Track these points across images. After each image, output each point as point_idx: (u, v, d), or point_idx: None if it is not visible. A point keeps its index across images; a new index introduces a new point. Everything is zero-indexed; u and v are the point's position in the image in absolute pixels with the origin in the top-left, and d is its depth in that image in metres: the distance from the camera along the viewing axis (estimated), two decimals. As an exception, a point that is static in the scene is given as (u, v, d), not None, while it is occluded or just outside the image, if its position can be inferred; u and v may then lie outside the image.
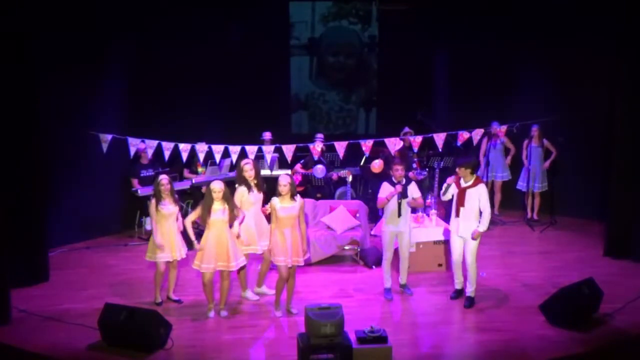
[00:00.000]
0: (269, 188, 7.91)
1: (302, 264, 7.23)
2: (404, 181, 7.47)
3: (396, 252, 7.78)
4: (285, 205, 7.05)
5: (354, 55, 13.02)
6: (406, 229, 7.60)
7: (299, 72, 13.00)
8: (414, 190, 7.58)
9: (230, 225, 7.17)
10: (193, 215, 7.21)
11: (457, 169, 7.41)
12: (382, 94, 13.24)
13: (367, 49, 13.01)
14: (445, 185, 7.51)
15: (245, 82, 12.22)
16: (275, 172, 10.19)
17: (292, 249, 7.06)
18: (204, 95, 11.46)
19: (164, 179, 7.48)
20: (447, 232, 8.23)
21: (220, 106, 11.75)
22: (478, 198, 7.28)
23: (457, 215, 7.36)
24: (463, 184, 7.35)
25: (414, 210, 8.73)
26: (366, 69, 13.12)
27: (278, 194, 7.09)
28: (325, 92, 13.18)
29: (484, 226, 7.27)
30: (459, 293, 7.64)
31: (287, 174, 7.29)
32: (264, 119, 11.77)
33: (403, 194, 7.44)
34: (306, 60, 12.96)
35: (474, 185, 7.31)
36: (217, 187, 7.09)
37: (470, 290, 7.49)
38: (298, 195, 7.20)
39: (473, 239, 7.29)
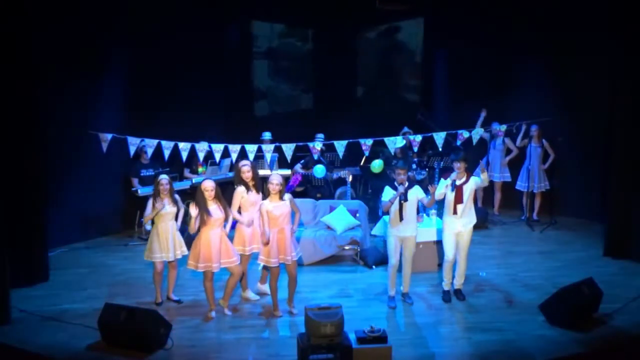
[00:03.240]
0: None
1: (293, 260, 7.21)
2: (406, 184, 7.35)
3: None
4: (276, 204, 7.06)
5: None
6: (412, 233, 7.43)
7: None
8: (418, 192, 7.46)
9: (225, 223, 7.19)
10: (193, 223, 7.08)
11: (455, 164, 7.48)
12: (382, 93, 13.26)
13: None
14: (447, 186, 7.48)
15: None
16: (276, 172, 10.17)
17: (288, 246, 7.08)
18: (204, 94, 11.45)
19: (163, 179, 7.48)
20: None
21: (220, 106, 11.74)
22: (473, 188, 7.49)
23: (455, 212, 7.42)
24: (458, 182, 7.44)
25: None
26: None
27: (268, 193, 7.10)
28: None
29: (484, 178, 7.56)
30: (449, 295, 7.67)
31: (279, 174, 7.30)
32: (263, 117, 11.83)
33: (404, 197, 7.30)
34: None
35: (467, 179, 7.47)
36: (209, 185, 7.08)
37: (459, 283, 7.71)
38: (286, 194, 7.22)
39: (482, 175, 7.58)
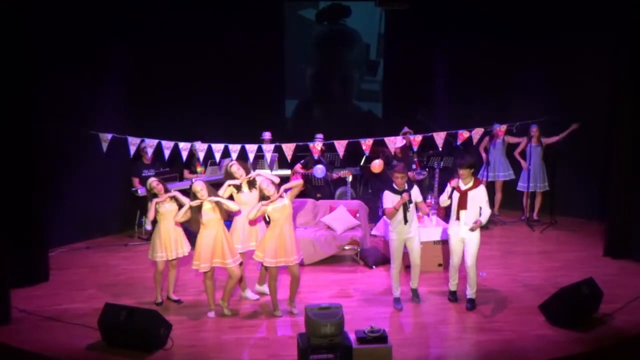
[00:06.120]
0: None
1: (298, 261, 7.21)
2: (406, 187, 7.22)
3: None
4: (275, 206, 7.06)
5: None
6: (415, 233, 7.36)
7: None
8: (416, 195, 7.33)
9: (225, 219, 7.18)
10: (181, 216, 7.15)
11: (459, 171, 7.25)
12: (382, 92, 13.25)
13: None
14: (447, 192, 7.35)
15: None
16: (275, 172, 10.18)
17: (289, 248, 7.06)
18: (204, 94, 11.45)
19: (153, 181, 7.52)
20: (445, 233, 8.21)
21: (220, 106, 11.75)
22: (479, 200, 7.19)
23: (458, 218, 7.26)
24: (463, 187, 7.21)
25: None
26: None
27: (265, 197, 7.09)
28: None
29: (485, 218, 7.22)
30: (455, 295, 7.62)
31: (264, 177, 7.25)
32: (263, 117, 11.83)
33: (410, 201, 7.20)
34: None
35: (475, 186, 7.21)
36: (199, 187, 7.08)
37: (471, 293, 7.39)
38: (284, 192, 7.16)
39: (472, 230, 7.17)
